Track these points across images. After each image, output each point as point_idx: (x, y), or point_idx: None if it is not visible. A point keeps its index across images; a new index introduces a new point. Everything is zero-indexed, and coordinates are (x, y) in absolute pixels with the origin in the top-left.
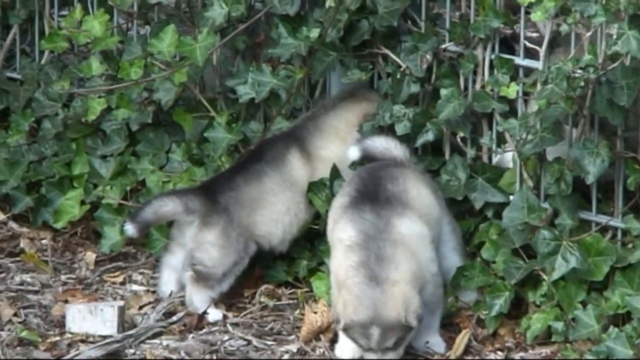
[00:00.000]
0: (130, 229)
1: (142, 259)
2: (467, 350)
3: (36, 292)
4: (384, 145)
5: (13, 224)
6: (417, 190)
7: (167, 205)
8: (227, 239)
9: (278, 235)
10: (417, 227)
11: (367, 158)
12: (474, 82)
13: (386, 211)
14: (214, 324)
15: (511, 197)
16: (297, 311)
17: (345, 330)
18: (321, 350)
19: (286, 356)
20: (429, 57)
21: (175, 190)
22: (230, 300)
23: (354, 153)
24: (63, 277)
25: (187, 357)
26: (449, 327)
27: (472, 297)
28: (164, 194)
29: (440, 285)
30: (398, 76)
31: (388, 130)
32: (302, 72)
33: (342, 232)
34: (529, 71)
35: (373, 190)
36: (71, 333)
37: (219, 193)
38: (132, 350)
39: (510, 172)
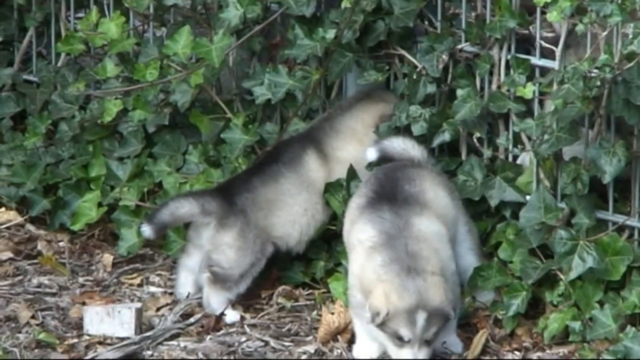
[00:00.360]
0: (147, 231)
1: (159, 261)
2: (485, 350)
3: (54, 295)
4: (401, 146)
5: (30, 227)
6: (434, 192)
7: (183, 207)
8: (244, 240)
9: (295, 237)
10: (435, 226)
11: (385, 159)
12: (490, 82)
13: (404, 210)
14: (232, 325)
15: (528, 197)
16: (315, 312)
17: (385, 322)
18: (339, 351)
19: (304, 357)
20: (445, 57)
21: (192, 192)
22: (247, 301)
23: (371, 154)
24: (80, 280)
25: (204, 359)
26: (466, 327)
27: (489, 297)
28: (180, 195)
29: (457, 284)
30: (414, 77)
31: (404, 130)
32: (318, 73)
33: (362, 232)
34: (545, 71)
35: (390, 191)
36: (89, 335)
37: (235, 195)
38: (149, 352)
39: (527, 172)
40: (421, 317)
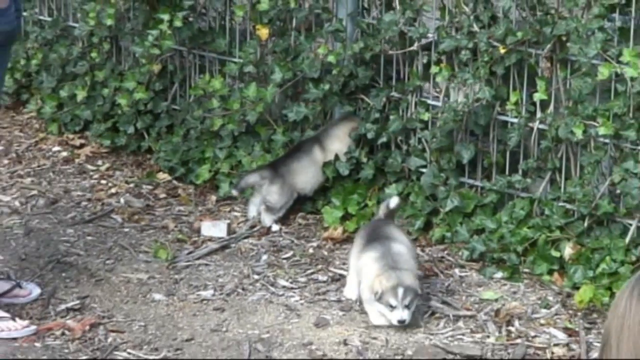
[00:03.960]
0: (235, 192)
1: (239, 200)
2: None
3: (186, 215)
4: (391, 206)
5: (174, 182)
6: (400, 232)
7: (251, 177)
8: (282, 190)
9: (308, 189)
10: (403, 248)
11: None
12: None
13: (388, 242)
14: (275, 232)
15: None
16: (318, 226)
17: (381, 297)
18: (328, 248)
19: (311, 249)
20: (384, 99)
21: (256, 167)
22: (283, 220)
23: (393, 202)
24: (200, 208)
25: (262, 249)
26: None
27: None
28: (249, 170)
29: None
30: (368, 108)
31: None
32: (320, 106)
33: (368, 256)
34: None
35: (378, 234)
36: (204, 236)
37: (278, 167)
38: (234, 245)
39: None
40: (400, 290)
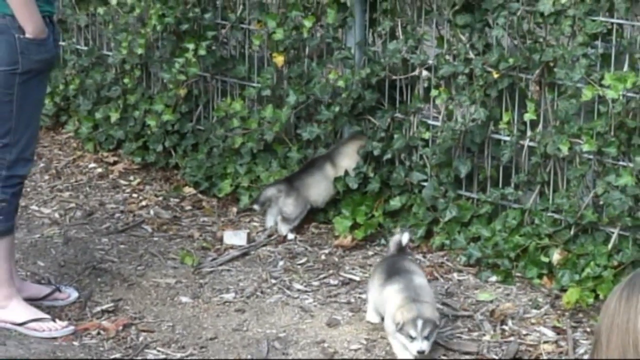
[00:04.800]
0: (256, 207)
1: (257, 211)
2: None
3: (210, 225)
4: (404, 241)
5: (199, 195)
6: (417, 266)
7: (269, 191)
8: (297, 202)
9: (320, 201)
10: (422, 280)
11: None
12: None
13: (409, 275)
14: (290, 240)
15: None
16: (329, 235)
17: (402, 328)
18: (339, 254)
19: (323, 256)
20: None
21: (273, 182)
22: (298, 230)
23: (405, 238)
24: (222, 219)
25: (279, 255)
26: None
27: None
28: (267, 184)
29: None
30: (375, 128)
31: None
32: (331, 126)
33: (391, 289)
34: None
35: (399, 268)
36: (226, 244)
37: (293, 181)
38: (253, 252)
39: None
40: (419, 322)
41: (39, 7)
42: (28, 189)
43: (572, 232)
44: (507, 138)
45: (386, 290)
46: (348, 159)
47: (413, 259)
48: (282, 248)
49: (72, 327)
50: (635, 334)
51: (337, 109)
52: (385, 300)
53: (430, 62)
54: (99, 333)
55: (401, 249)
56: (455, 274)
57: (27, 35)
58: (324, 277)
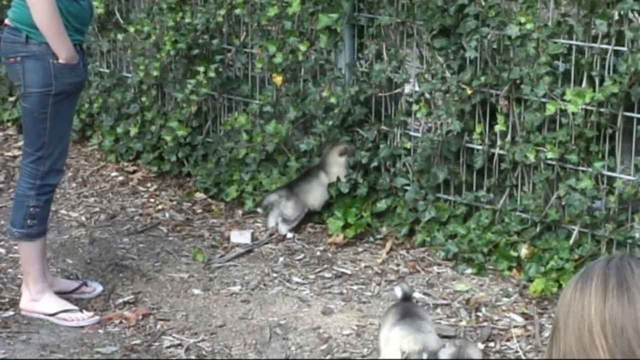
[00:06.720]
0: (259, 210)
1: (260, 213)
2: None
3: (218, 226)
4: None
5: (209, 199)
6: (422, 311)
7: (271, 196)
8: (296, 205)
9: (317, 205)
10: (426, 323)
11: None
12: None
13: (417, 320)
14: (289, 239)
15: None
16: (323, 233)
17: (407, 359)
18: (333, 251)
19: (318, 252)
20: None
21: (275, 189)
22: (295, 229)
23: (398, 292)
24: (229, 220)
25: (279, 252)
26: None
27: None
28: (269, 190)
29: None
30: (362, 139)
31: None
32: (325, 138)
33: (399, 330)
34: None
35: (408, 313)
36: (232, 243)
37: (292, 187)
38: (256, 249)
39: None
40: (425, 355)
41: (70, 37)
42: (58, 196)
43: (537, 230)
44: (480, 147)
45: (391, 334)
46: (336, 166)
47: (421, 307)
48: (282, 246)
49: (97, 317)
50: (589, 319)
51: (330, 122)
52: (391, 337)
53: (411, 80)
54: (121, 322)
55: (406, 298)
56: (435, 267)
57: (60, 61)
58: (319, 271)
